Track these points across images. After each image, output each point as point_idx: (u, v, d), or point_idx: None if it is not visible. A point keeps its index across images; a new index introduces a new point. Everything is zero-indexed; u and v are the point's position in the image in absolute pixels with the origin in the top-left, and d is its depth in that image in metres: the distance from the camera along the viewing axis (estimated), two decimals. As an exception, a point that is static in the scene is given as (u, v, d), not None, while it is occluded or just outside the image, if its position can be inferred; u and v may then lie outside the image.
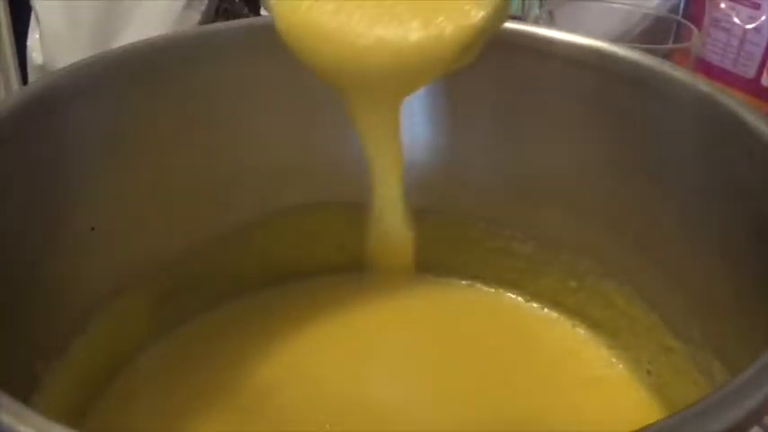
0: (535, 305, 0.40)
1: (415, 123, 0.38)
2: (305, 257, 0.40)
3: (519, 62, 0.35)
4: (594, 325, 0.38)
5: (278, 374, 0.35)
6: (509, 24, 0.36)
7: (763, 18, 0.51)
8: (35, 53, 0.67)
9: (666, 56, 0.44)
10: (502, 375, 0.36)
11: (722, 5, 0.53)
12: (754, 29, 0.51)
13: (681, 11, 0.56)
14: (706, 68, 0.54)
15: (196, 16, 0.64)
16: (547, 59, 0.35)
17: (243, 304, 0.39)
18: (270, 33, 0.37)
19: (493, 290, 0.41)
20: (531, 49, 0.35)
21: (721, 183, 0.30)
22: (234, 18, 0.65)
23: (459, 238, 0.40)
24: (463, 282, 0.41)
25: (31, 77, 0.70)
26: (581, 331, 0.38)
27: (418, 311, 0.39)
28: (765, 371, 0.19)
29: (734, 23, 0.52)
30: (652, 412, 0.33)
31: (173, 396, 0.34)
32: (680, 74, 0.31)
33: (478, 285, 0.41)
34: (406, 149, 0.39)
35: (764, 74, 0.51)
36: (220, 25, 0.39)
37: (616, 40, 0.43)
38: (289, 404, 0.34)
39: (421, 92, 0.38)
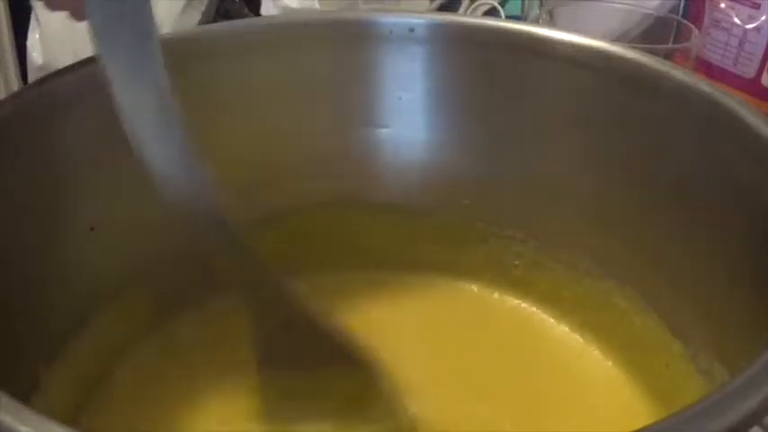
0: (535, 305, 0.40)
1: (415, 123, 0.38)
2: (305, 257, 0.40)
3: (519, 62, 0.35)
4: (594, 325, 0.38)
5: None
6: (509, 24, 0.36)
7: (763, 18, 0.51)
8: (35, 53, 0.67)
9: (666, 56, 0.44)
10: (501, 375, 0.36)
11: (722, 5, 0.53)
12: (754, 29, 0.51)
13: (681, 11, 0.56)
14: (706, 68, 0.54)
15: (196, 16, 0.64)
16: (547, 59, 0.35)
17: (243, 302, 0.39)
18: (270, 33, 0.37)
19: (493, 290, 0.41)
20: (531, 49, 0.35)
21: (721, 182, 0.30)
22: (234, 18, 0.65)
23: (460, 238, 0.40)
24: (463, 282, 0.41)
25: (31, 77, 0.70)
26: (580, 331, 0.38)
27: (418, 311, 0.39)
28: (765, 371, 0.19)
29: (734, 23, 0.52)
30: (652, 412, 0.33)
31: (173, 394, 0.34)
32: (680, 74, 0.31)
33: (478, 285, 0.41)
34: (405, 149, 0.39)
35: (764, 74, 0.51)
36: (220, 25, 0.39)
37: (616, 40, 0.43)
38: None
39: (421, 92, 0.38)
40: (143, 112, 0.26)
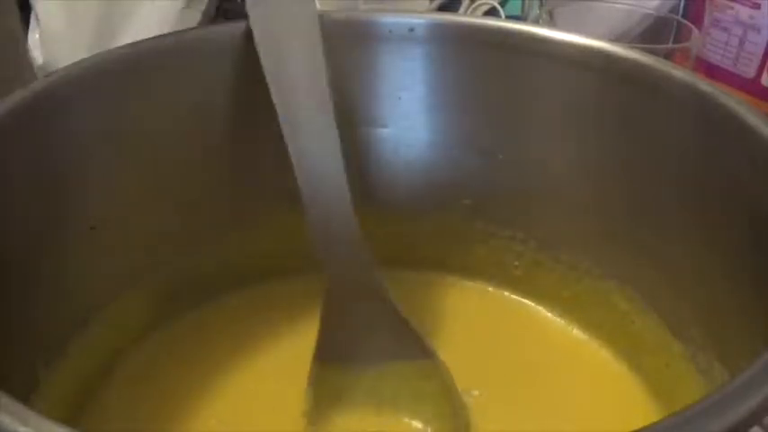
0: (535, 305, 0.40)
1: (415, 123, 0.38)
2: (305, 256, 0.40)
3: (519, 62, 0.35)
4: (594, 325, 0.38)
5: (279, 368, 0.35)
6: (509, 24, 0.36)
7: (764, 18, 0.51)
8: (35, 53, 0.67)
9: (666, 56, 0.44)
10: (500, 375, 0.36)
11: (722, 5, 0.53)
12: (755, 29, 0.51)
13: (681, 11, 0.56)
14: (706, 68, 0.54)
15: (196, 16, 0.64)
16: (547, 59, 0.35)
17: (243, 298, 0.39)
18: (270, 33, 0.37)
19: (493, 290, 0.41)
20: (531, 49, 0.35)
21: (721, 183, 0.30)
22: (234, 18, 0.64)
23: (460, 237, 0.40)
24: (463, 282, 0.41)
25: (31, 77, 0.70)
26: (580, 331, 0.38)
27: (417, 310, 0.39)
28: (765, 371, 0.19)
29: (734, 23, 0.52)
30: (652, 412, 0.33)
31: (173, 394, 0.34)
32: (680, 74, 0.31)
33: (479, 285, 0.41)
34: (405, 149, 0.39)
35: (764, 74, 0.51)
36: (220, 25, 0.39)
37: (616, 40, 0.43)
38: (290, 399, 0.34)
39: (421, 92, 0.38)
40: (298, 93, 0.25)
